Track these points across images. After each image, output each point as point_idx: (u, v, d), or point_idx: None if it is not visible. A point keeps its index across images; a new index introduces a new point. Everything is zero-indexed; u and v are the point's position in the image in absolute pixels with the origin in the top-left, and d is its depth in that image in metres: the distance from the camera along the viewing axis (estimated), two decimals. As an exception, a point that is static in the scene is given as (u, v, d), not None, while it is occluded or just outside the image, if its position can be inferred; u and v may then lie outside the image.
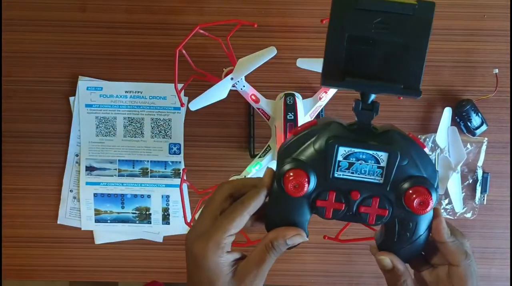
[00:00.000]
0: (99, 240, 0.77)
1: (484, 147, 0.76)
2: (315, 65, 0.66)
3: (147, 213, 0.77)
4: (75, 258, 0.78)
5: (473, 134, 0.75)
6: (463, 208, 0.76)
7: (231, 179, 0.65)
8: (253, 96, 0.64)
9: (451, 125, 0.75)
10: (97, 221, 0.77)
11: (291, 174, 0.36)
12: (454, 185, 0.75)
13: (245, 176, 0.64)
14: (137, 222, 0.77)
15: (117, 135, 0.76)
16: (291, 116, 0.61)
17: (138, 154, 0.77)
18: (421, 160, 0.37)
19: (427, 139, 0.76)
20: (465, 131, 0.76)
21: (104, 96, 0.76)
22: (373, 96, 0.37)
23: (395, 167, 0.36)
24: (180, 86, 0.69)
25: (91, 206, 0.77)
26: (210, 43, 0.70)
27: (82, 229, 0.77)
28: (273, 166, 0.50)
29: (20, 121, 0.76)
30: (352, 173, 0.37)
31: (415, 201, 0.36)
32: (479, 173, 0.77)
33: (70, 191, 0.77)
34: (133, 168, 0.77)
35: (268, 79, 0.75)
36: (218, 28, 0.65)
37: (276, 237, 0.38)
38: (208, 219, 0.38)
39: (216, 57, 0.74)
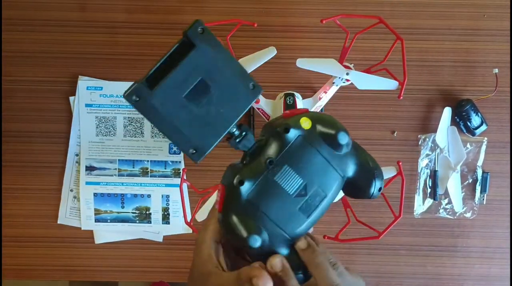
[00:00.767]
0: (99, 239, 0.77)
1: (483, 147, 0.76)
2: (315, 65, 0.66)
3: (147, 212, 0.77)
4: (75, 258, 0.78)
5: (473, 134, 0.76)
6: (463, 208, 0.76)
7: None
8: (253, 96, 0.64)
9: (451, 125, 0.75)
10: (97, 220, 0.77)
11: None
12: (454, 185, 0.75)
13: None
14: (137, 221, 0.77)
15: (117, 135, 0.76)
16: (291, 116, 0.61)
17: (138, 153, 0.77)
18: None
19: (427, 139, 0.76)
20: (465, 131, 0.76)
21: (104, 96, 0.76)
22: (235, 129, 0.37)
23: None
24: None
25: (91, 205, 0.77)
26: (210, 43, 0.70)
27: (82, 228, 0.77)
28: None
29: (20, 121, 0.76)
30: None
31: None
32: (479, 172, 0.77)
33: (70, 190, 0.77)
34: (133, 167, 0.77)
35: (268, 79, 0.75)
36: (218, 28, 0.65)
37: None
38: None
39: (216, 57, 0.74)
